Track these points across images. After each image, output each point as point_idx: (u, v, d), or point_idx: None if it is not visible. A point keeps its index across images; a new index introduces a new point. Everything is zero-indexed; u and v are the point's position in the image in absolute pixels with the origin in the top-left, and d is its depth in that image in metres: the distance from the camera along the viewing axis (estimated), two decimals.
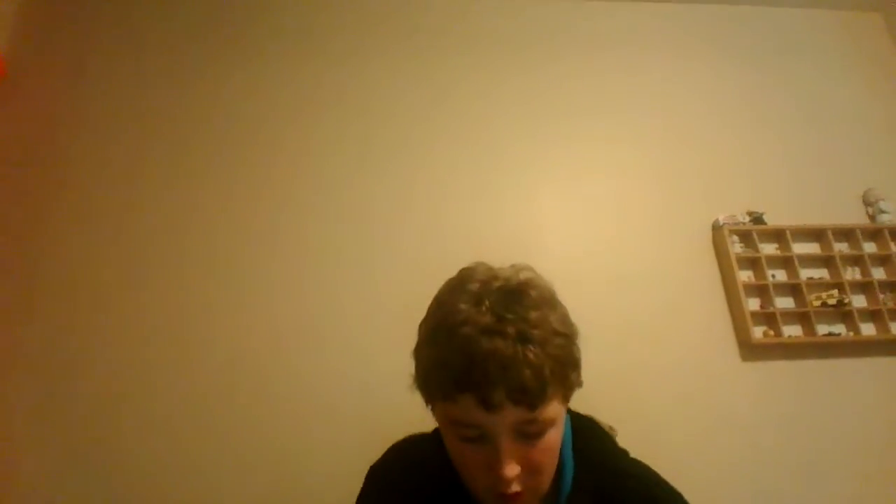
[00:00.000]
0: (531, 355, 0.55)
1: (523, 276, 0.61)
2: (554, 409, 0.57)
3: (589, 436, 0.71)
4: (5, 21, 2.39)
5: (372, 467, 0.76)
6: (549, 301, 0.60)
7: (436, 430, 0.75)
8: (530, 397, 0.54)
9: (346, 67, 2.59)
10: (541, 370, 0.55)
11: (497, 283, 0.60)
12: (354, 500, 0.73)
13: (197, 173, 2.31)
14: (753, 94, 2.81)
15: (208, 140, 2.38)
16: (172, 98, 2.42)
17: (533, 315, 0.57)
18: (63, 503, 1.83)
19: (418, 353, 0.63)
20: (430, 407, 0.63)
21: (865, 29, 3.07)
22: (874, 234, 2.54)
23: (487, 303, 0.57)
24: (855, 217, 2.59)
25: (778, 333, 2.30)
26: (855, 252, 2.47)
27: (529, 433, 0.56)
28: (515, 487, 0.57)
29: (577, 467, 0.66)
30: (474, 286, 0.60)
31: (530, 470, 0.57)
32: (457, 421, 0.57)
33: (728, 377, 2.24)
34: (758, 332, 2.29)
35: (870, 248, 2.51)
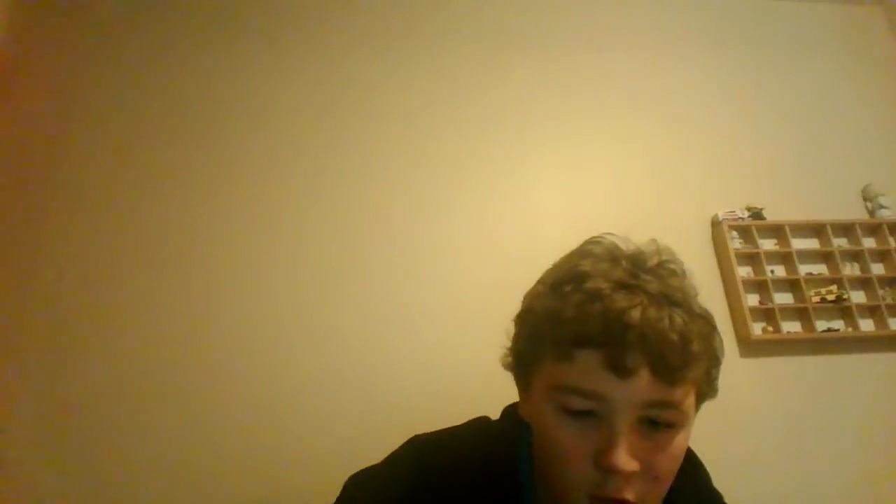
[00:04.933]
0: (679, 319, 0.45)
1: (662, 246, 0.51)
2: (690, 402, 0.46)
3: (686, 468, 0.56)
4: (3, 18, 2.35)
5: (417, 441, 0.60)
6: (690, 282, 0.50)
7: (463, 426, 0.61)
8: (672, 368, 0.43)
9: (346, 64, 2.56)
10: (689, 339, 0.44)
11: (632, 248, 0.51)
12: None
13: (198, 171, 2.29)
14: (752, 89, 2.79)
15: (210, 138, 2.35)
16: (174, 95, 2.39)
17: (675, 282, 0.48)
18: (65, 502, 1.82)
19: (528, 311, 0.52)
20: (522, 382, 0.53)
21: (865, 22, 3.05)
22: (874, 230, 2.53)
23: (624, 263, 0.48)
24: (854, 212, 2.58)
25: (777, 329, 2.29)
26: (854, 247, 2.46)
27: (658, 421, 0.45)
28: (626, 493, 0.43)
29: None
30: (603, 249, 0.51)
31: (648, 476, 0.44)
32: (567, 387, 0.45)
33: (727, 374, 2.20)
34: (757, 328, 2.28)
35: (869, 243, 2.49)
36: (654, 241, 0.52)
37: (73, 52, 2.40)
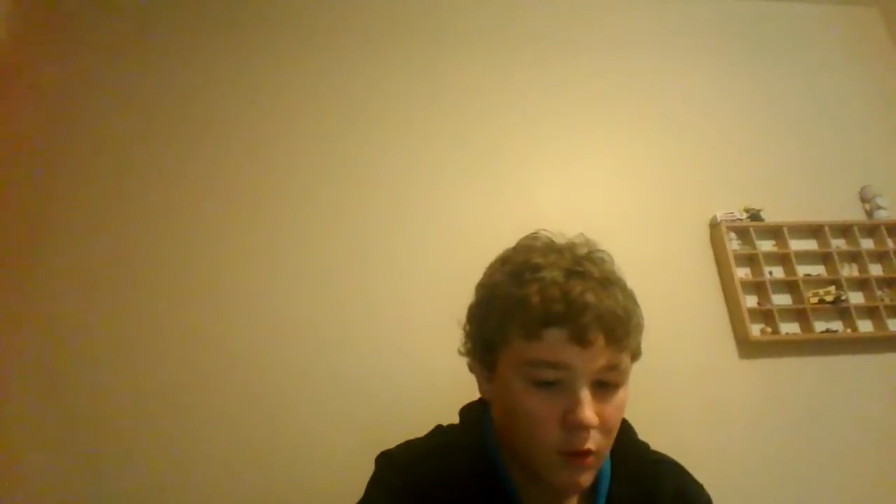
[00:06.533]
0: (619, 296, 0.55)
1: (588, 238, 0.61)
2: (629, 364, 0.56)
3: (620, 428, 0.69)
4: (3, 20, 2.36)
5: (388, 455, 0.67)
6: (614, 266, 0.60)
7: (425, 436, 0.70)
8: (620, 338, 0.53)
9: (347, 64, 2.56)
10: (629, 313, 0.55)
11: (564, 242, 0.60)
12: (353, 500, 0.71)
13: (199, 174, 2.29)
14: (750, 90, 2.80)
15: (211, 140, 2.35)
16: (174, 97, 2.39)
17: (608, 267, 0.58)
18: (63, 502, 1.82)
19: (489, 299, 0.60)
20: (486, 365, 0.60)
21: (862, 24, 3.06)
22: (871, 231, 2.53)
23: (565, 253, 0.57)
24: (852, 213, 2.58)
25: (775, 331, 2.29)
26: (852, 248, 2.46)
27: (608, 383, 0.54)
28: (590, 444, 0.52)
29: (612, 457, 0.63)
30: (542, 242, 0.60)
31: (603, 429, 0.53)
32: (537, 361, 0.53)
33: (726, 375, 2.23)
34: (755, 329, 2.28)
35: (867, 244, 2.50)
36: (581, 234, 0.61)
37: (74, 55, 2.40)
